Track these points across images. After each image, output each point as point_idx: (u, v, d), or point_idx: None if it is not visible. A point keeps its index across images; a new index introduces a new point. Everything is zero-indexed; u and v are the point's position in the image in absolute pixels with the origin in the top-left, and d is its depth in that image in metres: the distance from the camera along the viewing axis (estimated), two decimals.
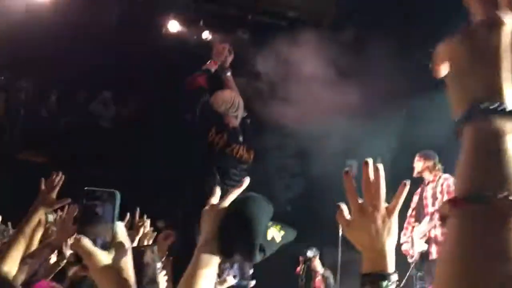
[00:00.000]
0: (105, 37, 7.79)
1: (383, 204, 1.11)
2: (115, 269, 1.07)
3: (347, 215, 1.13)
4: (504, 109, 0.60)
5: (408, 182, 1.13)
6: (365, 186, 1.10)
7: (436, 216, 5.12)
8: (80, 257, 1.09)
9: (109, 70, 8.72)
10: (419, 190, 5.56)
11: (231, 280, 1.50)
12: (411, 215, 5.56)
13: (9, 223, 4.72)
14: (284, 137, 7.82)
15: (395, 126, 7.86)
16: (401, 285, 5.61)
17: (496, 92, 0.61)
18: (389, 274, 1.05)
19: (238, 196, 1.27)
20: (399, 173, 5.88)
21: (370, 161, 1.10)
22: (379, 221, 1.09)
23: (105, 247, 1.10)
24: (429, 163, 5.51)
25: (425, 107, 7.87)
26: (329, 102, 7.76)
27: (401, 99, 7.94)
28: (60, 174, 2.63)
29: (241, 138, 3.67)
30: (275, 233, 1.22)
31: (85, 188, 1.18)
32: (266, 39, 8.30)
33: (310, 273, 5.83)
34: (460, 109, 0.64)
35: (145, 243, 2.94)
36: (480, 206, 0.56)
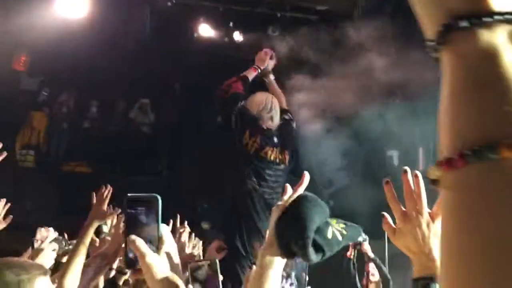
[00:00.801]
0: (139, 46, 7.96)
1: (426, 209, 1.11)
2: (166, 272, 1.09)
3: (392, 223, 1.13)
4: (492, 15, 0.42)
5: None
6: (407, 193, 1.11)
7: None
8: (131, 262, 1.13)
9: (145, 78, 8.90)
10: None
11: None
12: None
13: (65, 234, 4.88)
14: (324, 132, 7.77)
15: (435, 112, 7.68)
16: None
17: None
18: None
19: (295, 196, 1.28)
20: None
21: (408, 169, 1.10)
22: (424, 226, 1.09)
23: (153, 252, 1.12)
24: None
25: None
26: (370, 91, 7.68)
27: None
28: (109, 186, 2.71)
29: (276, 140, 3.66)
30: (336, 232, 1.22)
31: (128, 195, 1.21)
32: (296, 35, 8.30)
33: (361, 256, 5.80)
34: (433, 27, 0.45)
35: (189, 251, 2.98)
36: (487, 162, 0.40)
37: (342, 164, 8.18)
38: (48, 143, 9.30)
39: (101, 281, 2.75)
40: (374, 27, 7.50)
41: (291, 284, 1.49)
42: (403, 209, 1.10)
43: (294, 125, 3.93)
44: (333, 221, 1.26)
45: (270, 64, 4.10)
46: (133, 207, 1.19)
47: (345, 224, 1.28)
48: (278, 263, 1.24)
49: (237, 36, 7.85)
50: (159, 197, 1.20)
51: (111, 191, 2.70)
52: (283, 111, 3.91)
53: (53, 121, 9.29)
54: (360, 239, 6.09)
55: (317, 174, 8.31)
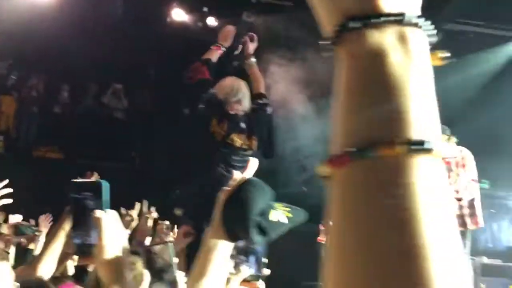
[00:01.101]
0: (111, 29, 7.82)
1: None
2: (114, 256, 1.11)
3: None
4: (381, 16, 0.43)
5: None
6: None
7: (452, 189, 5.12)
8: (79, 248, 1.15)
9: (117, 62, 8.77)
10: None
11: (245, 271, 1.51)
12: None
13: (32, 221, 4.80)
14: (296, 120, 7.82)
15: None
16: None
17: None
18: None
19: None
20: None
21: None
22: None
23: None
24: (444, 138, 5.50)
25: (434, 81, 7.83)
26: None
27: None
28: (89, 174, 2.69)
29: (243, 125, 3.61)
30: (280, 215, 1.24)
31: (72, 180, 1.21)
32: (272, 21, 8.28)
33: None
34: (328, 26, 0.46)
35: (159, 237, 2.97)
36: (368, 160, 0.41)
37: (316, 150, 8.25)
38: (17, 128, 9.11)
39: (71, 266, 2.74)
40: None
41: (249, 267, 1.49)
42: None
43: (269, 109, 3.86)
44: (278, 205, 1.29)
45: (252, 47, 4.00)
46: (79, 193, 1.19)
47: (290, 207, 1.32)
48: (223, 246, 1.27)
49: (211, 21, 7.78)
50: (104, 183, 1.20)
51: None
52: (258, 95, 3.85)
53: (22, 105, 9.09)
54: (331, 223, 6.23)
55: (291, 160, 8.39)
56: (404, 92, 0.43)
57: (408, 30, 0.44)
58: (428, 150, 0.41)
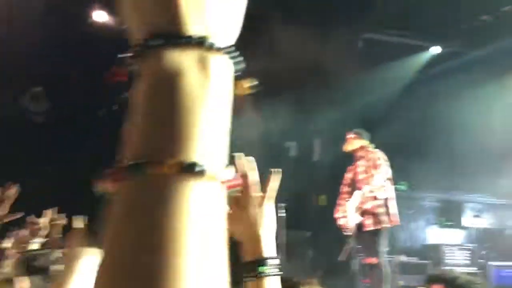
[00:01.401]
0: (31, 30, 7.49)
1: (256, 194, 1.11)
2: None
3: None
4: (182, 38, 0.44)
5: (278, 171, 1.15)
6: (240, 178, 1.10)
7: (367, 189, 5.32)
8: None
9: (38, 64, 8.40)
10: (352, 167, 5.76)
11: None
12: (344, 191, 5.76)
13: None
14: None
15: (329, 108, 8.05)
16: (339, 258, 5.80)
17: (176, 17, 0.44)
18: (266, 259, 1.06)
19: None
20: (340, 153, 6.11)
21: (241, 155, 1.11)
22: (254, 210, 1.09)
23: None
24: (364, 142, 5.72)
25: (354, 87, 8.16)
26: (271, 82, 7.86)
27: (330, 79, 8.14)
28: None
29: None
30: None
31: None
32: None
33: None
34: (133, 40, 0.46)
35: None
36: (141, 177, 0.40)
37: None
38: None
39: None
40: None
41: None
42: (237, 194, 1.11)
43: None
44: None
45: None
46: None
47: None
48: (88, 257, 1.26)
49: None
50: None
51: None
52: None
53: None
54: None
55: None
56: (190, 114, 0.42)
57: (210, 55, 0.44)
58: (200, 173, 0.41)
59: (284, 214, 6.00)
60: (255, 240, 1.08)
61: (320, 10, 7.63)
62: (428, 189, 8.90)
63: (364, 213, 5.35)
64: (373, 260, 5.18)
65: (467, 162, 8.79)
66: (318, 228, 7.28)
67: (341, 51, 8.20)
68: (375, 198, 5.18)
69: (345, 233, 5.55)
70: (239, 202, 1.10)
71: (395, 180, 8.63)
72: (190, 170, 0.41)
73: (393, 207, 5.37)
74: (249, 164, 1.09)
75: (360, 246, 5.54)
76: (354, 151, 5.70)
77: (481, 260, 8.08)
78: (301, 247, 7.21)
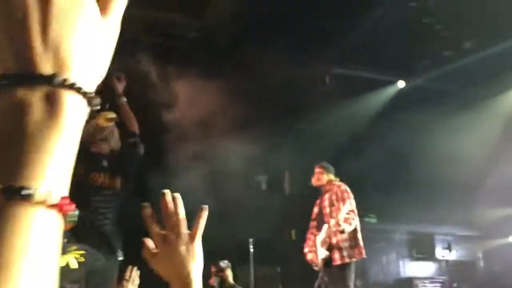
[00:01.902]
0: None
1: (185, 231, 1.08)
2: None
3: (152, 248, 1.08)
4: (32, 76, 0.46)
5: (205, 207, 1.12)
6: (166, 216, 1.07)
7: (333, 222, 5.29)
8: None
9: None
10: (318, 201, 5.75)
11: None
12: (312, 226, 5.72)
13: None
14: (190, 159, 7.78)
15: (297, 141, 8.10)
16: None
17: (27, 58, 0.46)
18: None
19: None
20: (311, 187, 6.10)
21: (167, 192, 1.08)
22: (183, 248, 1.06)
23: None
24: (330, 176, 5.74)
25: (322, 121, 8.25)
26: (229, 122, 7.88)
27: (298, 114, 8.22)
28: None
29: (105, 164, 3.51)
30: (72, 260, 1.17)
31: None
32: (165, 61, 8.29)
33: (223, 283, 5.88)
34: None
35: None
36: None
37: (208, 191, 8.23)
38: None
39: None
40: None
41: None
42: (163, 232, 1.07)
43: (140, 149, 3.78)
44: (72, 248, 1.22)
45: (120, 87, 3.96)
46: None
47: (86, 251, 1.25)
48: None
49: None
50: None
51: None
52: (130, 134, 3.78)
53: None
54: (222, 265, 6.11)
55: (187, 201, 8.28)
56: (25, 143, 0.44)
57: (59, 91, 0.46)
58: (27, 198, 0.41)
59: (252, 250, 5.91)
60: (184, 278, 1.04)
61: (289, 45, 7.75)
62: (399, 222, 8.94)
63: (331, 247, 5.30)
64: None
65: (437, 194, 8.88)
66: (289, 263, 7.19)
67: (309, 86, 8.32)
68: (342, 232, 5.14)
69: (314, 268, 5.48)
70: (167, 240, 1.05)
71: (365, 213, 8.67)
72: (16, 194, 0.41)
73: (360, 240, 5.34)
74: (176, 201, 1.05)
75: (328, 281, 5.47)
76: (322, 185, 5.71)
77: None
78: (271, 283, 7.09)
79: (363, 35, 7.65)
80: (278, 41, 7.61)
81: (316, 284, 5.67)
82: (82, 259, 1.18)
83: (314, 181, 5.73)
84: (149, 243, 1.07)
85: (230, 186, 8.19)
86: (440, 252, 8.89)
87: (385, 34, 7.58)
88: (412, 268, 8.89)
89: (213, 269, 5.84)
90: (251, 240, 6.00)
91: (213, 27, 8.15)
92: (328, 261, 5.34)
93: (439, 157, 8.60)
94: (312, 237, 5.66)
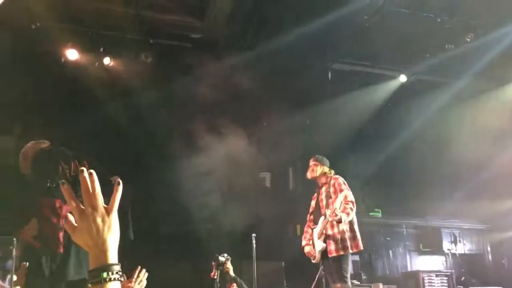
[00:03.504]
0: (2, 70, 7.59)
1: (101, 205, 1.17)
2: None
3: (73, 222, 1.18)
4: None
5: (119, 181, 1.20)
6: (84, 191, 1.17)
7: (328, 214, 5.34)
8: None
9: (12, 104, 8.47)
10: (315, 194, 5.79)
11: None
12: (309, 219, 5.77)
13: None
14: (193, 156, 7.90)
15: (299, 137, 8.16)
16: (312, 286, 5.77)
17: None
18: (110, 265, 1.13)
19: None
20: (314, 182, 6.13)
21: (84, 169, 1.17)
22: (99, 220, 1.15)
23: None
24: (326, 169, 5.76)
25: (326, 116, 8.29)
26: (233, 120, 7.99)
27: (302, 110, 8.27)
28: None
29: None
30: None
31: None
32: (170, 62, 8.42)
33: (224, 276, 5.96)
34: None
35: None
36: None
37: (214, 187, 8.33)
38: None
39: None
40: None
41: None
42: (82, 206, 1.17)
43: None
44: None
45: None
46: None
47: None
48: None
49: (108, 61, 7.81)
50: None
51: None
52: None
53: None
54: (222, 259, 6.16)
55: (190, 198, 8.39)
56: None
57: None
58: None
59: (254, 244, 5.99)
60: (100, 245, 1.14)
61: (294, 42, 7.76)
62: (405, 216, 8.93)
63: (327, 239, 5.35)
64: (339, 286, 5.15)
65: (444, 187, 8.85)
66: (293, 258, 7.25)
67: (312, 82, 8.36)
68: (339, 221, 5.17)
69: (312, 261, 5.54)
70: (85, 213, 1.15)
71: (370, 207, 8.68)
72: None
73: (357, 232, 5.37)
74: (92, 177, 1.15)
75: (326, 273, 5.53)
76: (316, 177, 5.73)
77: (460, 286, 8.05)
78: (275, 278, 7.17)
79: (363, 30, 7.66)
80: (283, 35, 7.60)
81: (317, 277, 5.74)
82: None
83: (309, 174, 5.77)
84: (70, 217, 1.17)
85: (234, 183, 8.29)
86: (447, 246, 8.87)
87: (387, 27, 7.57)
88: (419, 262, 8.88)
89: (213, 263, 5.92)
90: (253, 235, 6.08)
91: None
92: (325, 253, 5.39)
93: (446, 149, 8.57)
94: (309, 230, 5.71)
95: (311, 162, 5.79)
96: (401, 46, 7.98)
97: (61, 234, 3.32)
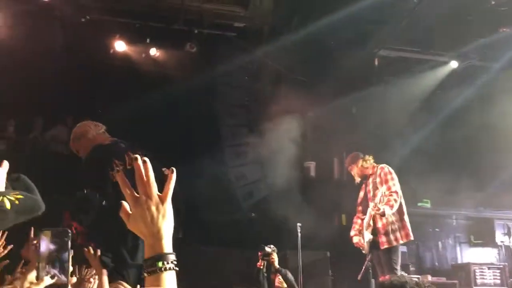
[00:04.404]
0: (52, 63, 7.82)
1: (156, 193, 1.16)
2: None
3: (128, 210, 1.18)
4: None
5: (173, 169, 1.19)
6: (138, 179, 1.16)
7: (372, 205, 5.23)
8: None
9: (63, 95, 8.73)
10: (363, 185, 5.70)
11: (48, 280, 1.46)
12: (358, 210, 5.70)
13: None
14: (238, 145, 7.92)
15: (344, 125, 8.03)
16: (359, 278, 5.70)
17: None
18: (165, 254, 1.12)
19: None
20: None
21: (138, 156, 1.16)
22: (153, 208, 1.14)
23: None
24: (358, 163, 5.65)
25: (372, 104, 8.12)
26: (276, 109, 7.95)
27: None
28: None
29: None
30: (6, 200, 1.22)
31: None
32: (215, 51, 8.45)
33: (269, 267, 6.01)
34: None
35: None
36: None
37: (261, 176, 8.35)
38: None
39: None
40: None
41: (53, 276, 1.43)
42: (136, 194, 1.16)
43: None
44: (13, 192, 1.27)
45: None
46: None
47: (24, 195, 1.29)
48: None
49: (154, 52, 7.91)
50: None
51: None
52: None
53: None
54: (268, 249, 6.18)
55: (236, 186, 8.44)
56: None
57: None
58: None
59: (299, 234, 5.97)
60: (155, 234, 1.13)
61: (337, 29, 7.61)
62: (455, 206, 8.66)
63: (377, 231, 5.26)
64: (388, 278, 5.06)
65: (497, 176, 8.53)
66: (339, 248, 7.19)
67: (358, 69, 8.20)
68: (382, 214, 5.07)
69: (362, 251, 5.48)
70: (139, 201, 1.15)
71: (419, 197, 8.46)
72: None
73: (407, 222, 5.25)
74: (146, 165, 1.14)
75: (375, 263, 5.44)
76: (362, 171, 5.63)
77: None
78: (320, 267, 7.12)
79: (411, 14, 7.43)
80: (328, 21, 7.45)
81: (363, 267, 5.65)
82: (16, 202, 1.25)
83: (356, 178, 5.67)
84: (125, 205, 1.16)
85: (279, 173, 8.26)
86: (500, 238, 8.55)
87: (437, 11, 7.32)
88: (470, 254, 8.61)
89: (260, 253, 5.98)
90: (299, 224, 6.05)
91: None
92: (374, 244, 5.31)
93: (500, 138, 8.25)
94: (358, 221, 5.64)
95: (346, 164, 5.77)
96: (451, 31, 7.69)
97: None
